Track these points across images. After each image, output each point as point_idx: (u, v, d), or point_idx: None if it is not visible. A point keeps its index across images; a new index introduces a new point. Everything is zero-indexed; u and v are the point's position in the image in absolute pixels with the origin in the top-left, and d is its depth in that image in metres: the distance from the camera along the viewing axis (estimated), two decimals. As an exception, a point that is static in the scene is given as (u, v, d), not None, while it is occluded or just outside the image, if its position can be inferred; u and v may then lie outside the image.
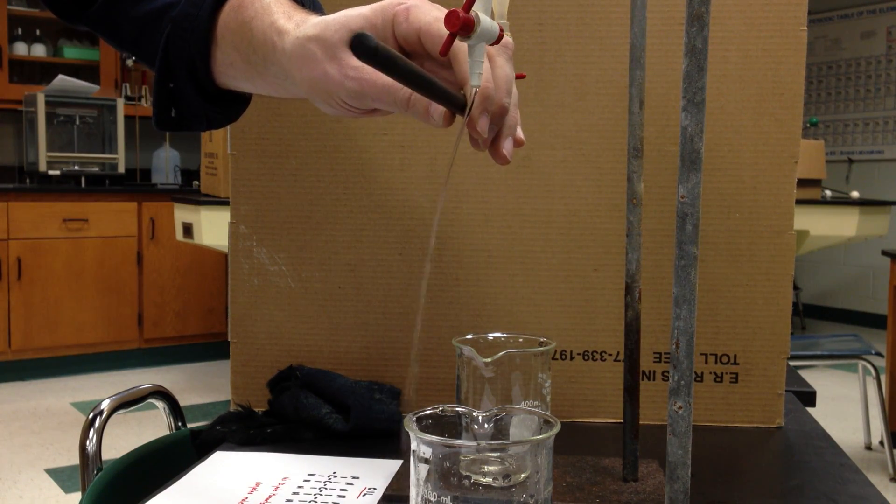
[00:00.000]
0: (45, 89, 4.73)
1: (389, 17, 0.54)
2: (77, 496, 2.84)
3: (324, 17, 0.57)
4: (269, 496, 0.73)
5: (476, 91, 0.55)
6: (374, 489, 0.74)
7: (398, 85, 0.54)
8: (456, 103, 0.54)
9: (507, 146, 0.57)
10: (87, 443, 0.92)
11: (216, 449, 0.85)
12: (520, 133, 0.58)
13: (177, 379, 4.47)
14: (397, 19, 0.54)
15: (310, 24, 0.57)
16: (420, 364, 0.96)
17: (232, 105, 0.71)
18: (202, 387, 4.32)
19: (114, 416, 0.94)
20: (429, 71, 0.55)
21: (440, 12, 0.54)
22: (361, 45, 0.45)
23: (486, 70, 0.53)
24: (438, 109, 0.55)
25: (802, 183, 3.89)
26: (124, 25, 0.70)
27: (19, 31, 4.92)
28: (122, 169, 4.98)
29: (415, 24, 0.54)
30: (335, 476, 0.77)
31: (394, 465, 0.80)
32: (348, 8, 0.57)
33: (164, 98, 0.68)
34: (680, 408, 0.48)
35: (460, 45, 0.53)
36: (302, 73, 0.57)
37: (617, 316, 0.94)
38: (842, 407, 4.04)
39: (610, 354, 0.95)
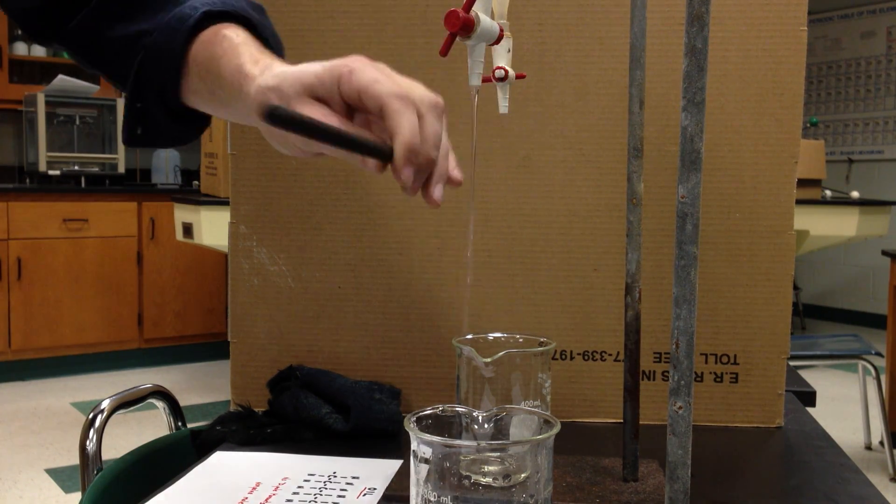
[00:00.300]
0: (45, 89, 4.73)
1: (336, 77, 0.59)
2: (77, 496, 2.84)
3: (283, 69, 0.62)
4: (269, 496, 0.73)
5: (476, 92, 0.55)
6: (374, 489, 0.74)
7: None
8: (381, 152, 0.59)
9: (436, 192, 0.63)
10: (87, 443, 0.92)
11: (216, 449, 0.85)
12: (456, 174, 0.64)
13: (177, 379, 4.47)
14: (342, 79, 0.59)
15: (271, 73, 0.62)
16: (421, 364, 0.96)
17: (196, 122, 0.75)
18: (202, 387, 4.32)
19: (114, 416, 0.94)
20: (368, 124, 0.61)
21: (380, 74, 0.59)
22: (273, 115, 0.52)
23: (413, 126, 0.58)
24: (369, 163, 0.60)
25: (802, 183, 3.89)
26: (98, 47, 0.74)
27: (19, 31, 4.91)
28: (122, 169, 4.98)
29: (356, 84, 0.59)
30: (335, 476, 0.77)
31: (394, 465, 0.80)
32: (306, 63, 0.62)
33: (132, 117, 0.72)
34: (680, 408, 0.48)
35: (389, 100, 0.58)
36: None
37: (617, 316, 0.94)
38: (842, 407, 4.04)
39: (610, 354, 0.95)
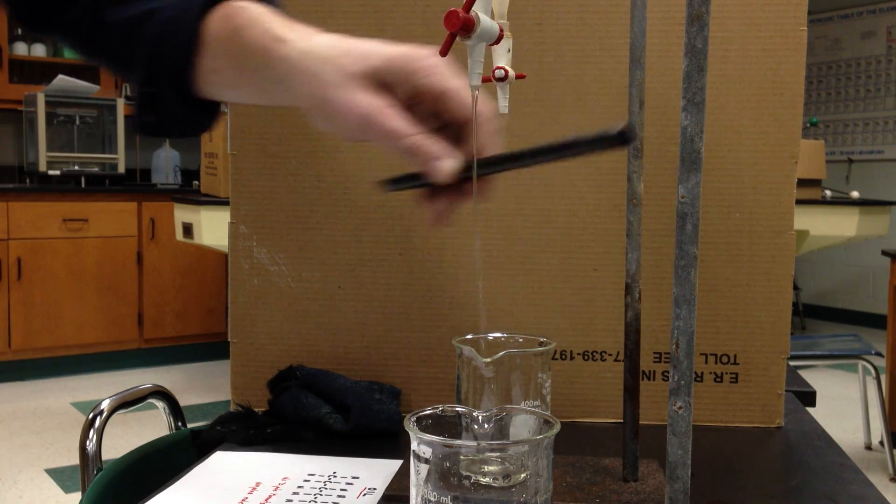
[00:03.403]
0: (45, 89, 4.73)
1: (412, 69, 0.56)
2: (77, 496, 2.84)
3: (340, 42, 0.57)
4: (269, 496, 0.73)
5: (477, 91, 0.55)
6: (374, 489, 0.74)
7: (403, 132, 0.55)
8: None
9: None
10: (87, 443, 0.92)
11: (216, 449, 0.85)
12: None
13: (177, 379, 4.47)
14: (419, 73, 0.56)
15: (322, 42, 0.57)
16: (420, 364, 0.96)
17: (207, 113, 0.71)
18: (202, 387, 4.32)
19: (114, 416, 0.94)
20: (422, 116, 0.57)
21: (462, 81, 0.56)
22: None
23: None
24: (446, 166, 0.57)
25: (802, 183, 3.89)
26: (99, 33, 0.69)
27: (19, 31, 4.92)
28: (122, 169, 4.98)
29: (438, 86, 0.56)
30: (335, 476, 0.77)
31: (394, 465, 0.80)
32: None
33: (144, 103, 0.68)
34: (680, 408, 0.48)
35: (482, 111, 0.56)
36: (305, 88, 0.57)
37: (617, 316, 0.94)
38: (842, 407, 4.04)
39: (610, 354, 0.95)
